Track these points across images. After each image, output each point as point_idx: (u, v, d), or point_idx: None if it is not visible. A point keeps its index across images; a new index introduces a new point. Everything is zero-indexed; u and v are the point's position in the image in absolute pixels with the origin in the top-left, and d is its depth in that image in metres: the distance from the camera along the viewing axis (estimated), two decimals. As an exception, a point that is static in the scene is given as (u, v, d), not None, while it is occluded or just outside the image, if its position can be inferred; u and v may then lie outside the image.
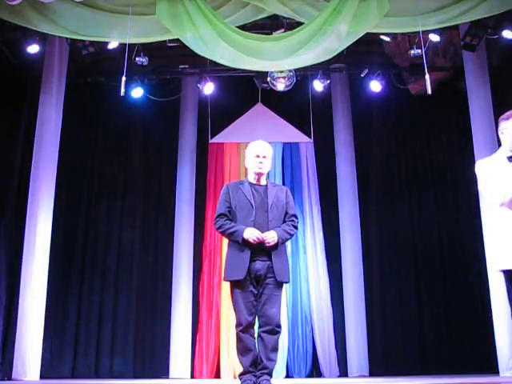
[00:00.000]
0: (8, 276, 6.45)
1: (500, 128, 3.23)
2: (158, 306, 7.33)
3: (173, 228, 7.43)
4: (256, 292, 3.48)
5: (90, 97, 7.66)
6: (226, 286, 7.19)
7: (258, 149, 3.69)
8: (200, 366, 6.99)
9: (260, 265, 3.47)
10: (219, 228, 3.62)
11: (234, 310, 3.51)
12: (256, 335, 3.51)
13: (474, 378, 5.50)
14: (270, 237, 3.46)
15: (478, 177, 3.25)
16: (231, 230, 3.53)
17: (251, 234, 3.44)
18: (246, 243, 3.46)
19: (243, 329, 3.43)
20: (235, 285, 3.49)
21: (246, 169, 3.87)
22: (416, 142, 8.07)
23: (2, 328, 6.29)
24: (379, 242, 7.61)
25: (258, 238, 3.43)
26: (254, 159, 3.67)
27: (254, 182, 3.70)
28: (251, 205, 3.57)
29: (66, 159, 7.00)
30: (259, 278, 3.47)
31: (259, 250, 3.47)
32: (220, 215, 3.63)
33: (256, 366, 3.43)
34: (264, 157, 3.67)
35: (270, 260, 3.49)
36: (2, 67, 6.75)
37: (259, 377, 3.37)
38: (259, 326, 3.49)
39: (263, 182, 3.72)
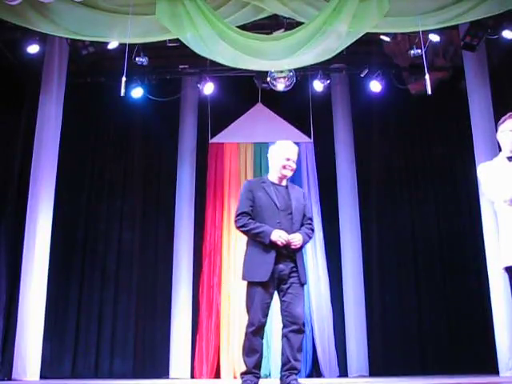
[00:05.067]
0: (8, 276, 6.44)
1: (498, 132, 3.27)
2: (158, 306, 7.34)
3: (173, 228, 7.43)
4: (273, 293, 3.42)
5: (90, 97, 7.65)
6: (225, 286, 7.20)
7: (289, 152, 3.60)
8: (200, 366, 6.98)
9: (283, 265, 3.40)
10: (242, 227, 3.47)
11: (248, 309, 3.41)
12: (266, 336, 3.45)
13: (474, 378, 5.50)
14: (297, 240, 3.40)
15: (479, 179, 3.27)
16: (257, 231, 3.41)
17: (280, 236, 3.35)
18: (270, 244, 3.37)
19: (255, 330, 3.34)
20: (256, 285, 3.39)
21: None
22: (416, 141, 8.08)
23: (2, 328, 6.28)
24: (379, 242, 7.61)
25: (286, 241, 3.37)
26: (284, 161, 3.56)
27: (276, 182, 3.61)
28: (276, 206, 3.48)
29: (66, 159, 6.99)
30: (283, 279, 3.40)
31: (283, 252, 3.40)
32: (242, 213, 3.49)
33: (259, 368, 3.38)
34: (294, 161, 3.60)
35: (293, 262, 3.43)
36: (2, 67, 6.75)
37: (287, 376, 3.30)
38: (284, 326, 3.40)
39: (284, 182, 3.64)
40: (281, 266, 3.39)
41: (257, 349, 3.36)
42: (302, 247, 3.47)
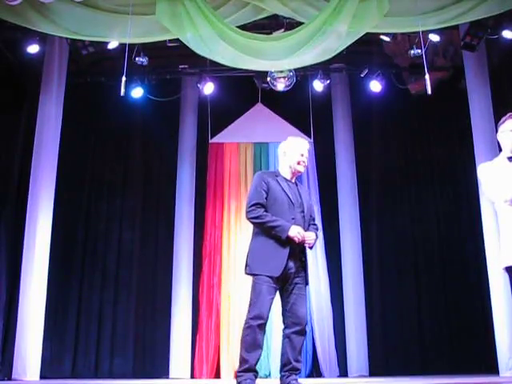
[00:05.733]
0: (8, 276, 6.45)
1: (498, 133, 3.27)
2: (158, 306, 7.34)
3: (173, 228, 7.43)
4: (278, 289, 3.32)
5: (90, 97, 7.66)
6: (225, 286, 7.20)
7: (304, 147, 3.55)
8: (200, 366, 6.98)
9: (292, 263, 3.31)
10: (257, 218, 3.32)
11: (253, 303, 3.26)
12: (266, 335, 3.37)
13: (474, 378, 5.50)
14: (312, 238, 3.35)
15: (480, 179, 3.27)
16: (274, 224, 3.28)
17: (299, 233, 3.27)
18: (286, 240, 3.27)
19: (262, 324, 3.22)
20: (264, 279, 3.26)
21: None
22: (416, 141, 8.08)
23: (2, 328, 6.29)
24: (379, 242, 7.61)
25: (302, 238, 3.30)
26: (299, 157, 3.51)
27: (289, 178, 3.54)
28: (291, 201, 3.40)
29: (66, 159, 7.00)
30: (288, 277, 3.30)
31: (296, 249, 3.33)
32: (257, 204, 3.35)
33: (257, 364, 3.25)
34: (306, 157, 3.57)
35: (300, 261, 3.38)
36: (2, 67, 6.75)
37: (287, 376, 3.23)
38: (287, 327, 3.32)
39: (293, 179, 3.58)
40: (290, 264, 3.30)
41: (260, 344, 3.23)
42: (312, 246, 3.42)
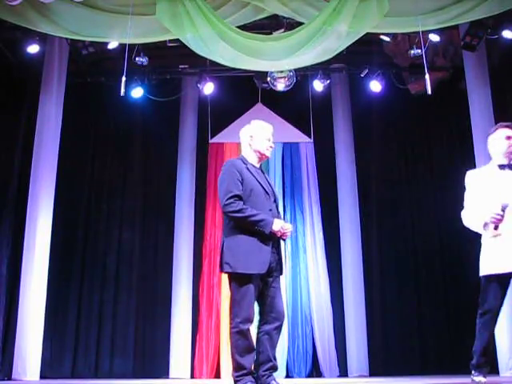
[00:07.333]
0: (8, 276, 6.44)
1: (489, 141, 3.33)
2: (158, 306, 7.34)
3: (173, 228, 7.43)
4: (261, 286, 3.17)
5: (90, 97, 7.65)
6: (225, 286, 7.19)
7: (270, 131, 3.39)
8: (200, 366, 6.99)
9: (273, 257, 3.20)
10: (238, 212, 3.10)
11: (240, 303, 3.09)
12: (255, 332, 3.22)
13: (474, 378, 5.49)
14: (290, 230, 3.20)
15: (466, 186, 3.33)
16: (257, 218, 3.09)
17: (282, 227, 3.13)
18: (269, 235, 3.12)
19: (250, 326, 3.10)
20: (249, 278, 3.09)
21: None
22: (416, 141, 8.08)
23: (2, 328, 6.29)
24: (379, 243, 7.61)
25: (284, 231, 3.16)
26: (267, 142, 3.35)
27: (255, 164, 3.36)
28: (266, 192, 3.24)
29: (66, 159, 7.00)
30: (270, 272, 3.17)
31: (274, 242, 3.22)
32: (235, 196, 3.13)
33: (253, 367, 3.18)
34: (273, 142, 3.42)
35: (278, 254, 3.27)
36: (2, 67, 6.75)
37: (268, 376, 3.09)
38: (266, 323, 3.18)
39: (259, 165, 3.42)
40: (271, 258, 3.17)
41: (253, 347, 3.11)
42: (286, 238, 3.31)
